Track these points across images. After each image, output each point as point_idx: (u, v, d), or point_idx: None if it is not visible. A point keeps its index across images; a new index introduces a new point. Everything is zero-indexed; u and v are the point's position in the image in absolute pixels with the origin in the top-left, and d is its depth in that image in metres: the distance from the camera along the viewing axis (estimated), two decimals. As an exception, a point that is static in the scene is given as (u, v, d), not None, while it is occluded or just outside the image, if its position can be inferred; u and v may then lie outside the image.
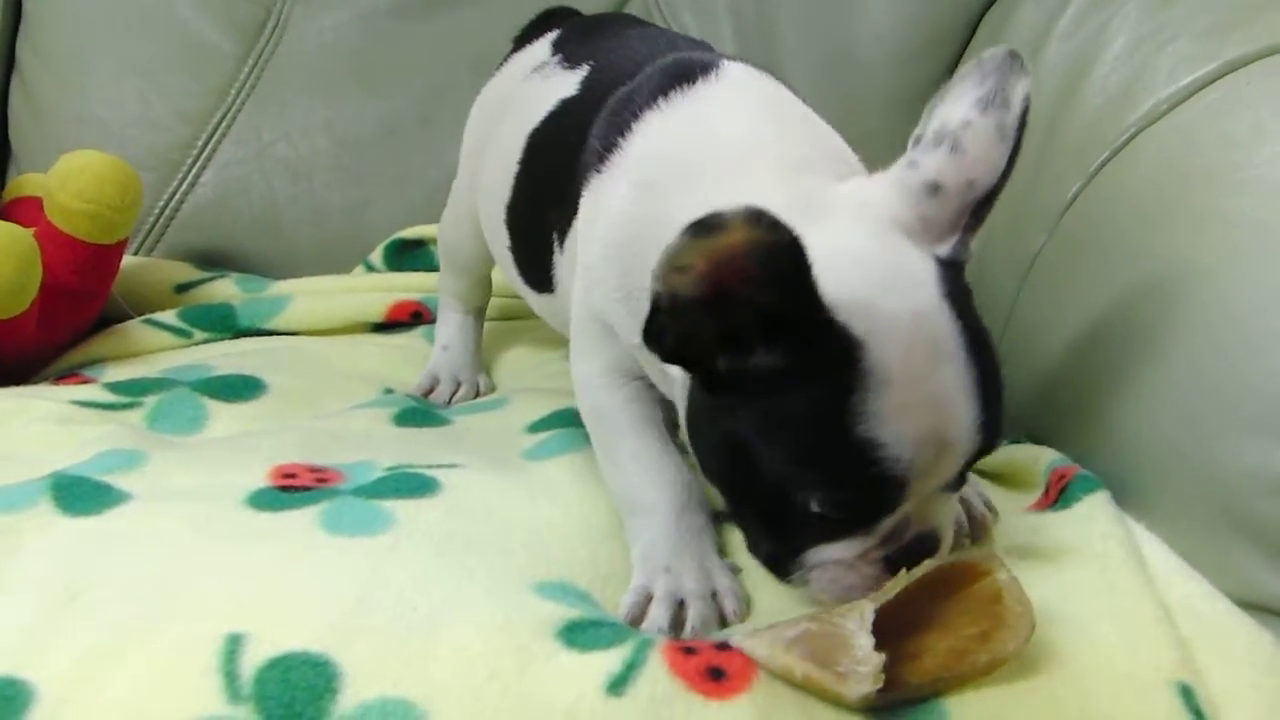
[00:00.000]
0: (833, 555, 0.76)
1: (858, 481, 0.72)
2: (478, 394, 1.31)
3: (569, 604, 0.76)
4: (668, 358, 0.74)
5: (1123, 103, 1.10)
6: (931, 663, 0.69)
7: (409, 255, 1.59)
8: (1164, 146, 1.03)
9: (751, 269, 0.66)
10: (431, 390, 1.29)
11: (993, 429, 0.74)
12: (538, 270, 1.07)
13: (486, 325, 1.41)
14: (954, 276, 0.75)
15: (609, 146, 0.88)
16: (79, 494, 0.87)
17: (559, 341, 1.39)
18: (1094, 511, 0.86)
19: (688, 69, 0.90)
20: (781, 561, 0.78)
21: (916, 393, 0.70)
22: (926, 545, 0.76)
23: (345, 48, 1.67)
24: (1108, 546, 0.82)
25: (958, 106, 0.77)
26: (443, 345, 1.34)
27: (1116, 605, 0.76)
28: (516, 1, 1.62)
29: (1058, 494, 0.90)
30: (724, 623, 0.80)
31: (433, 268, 1.56)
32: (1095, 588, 0.78)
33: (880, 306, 0.71)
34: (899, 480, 0.71)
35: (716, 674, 0.70)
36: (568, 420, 1.07)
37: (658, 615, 0.79)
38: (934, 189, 0.76)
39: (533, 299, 1.14)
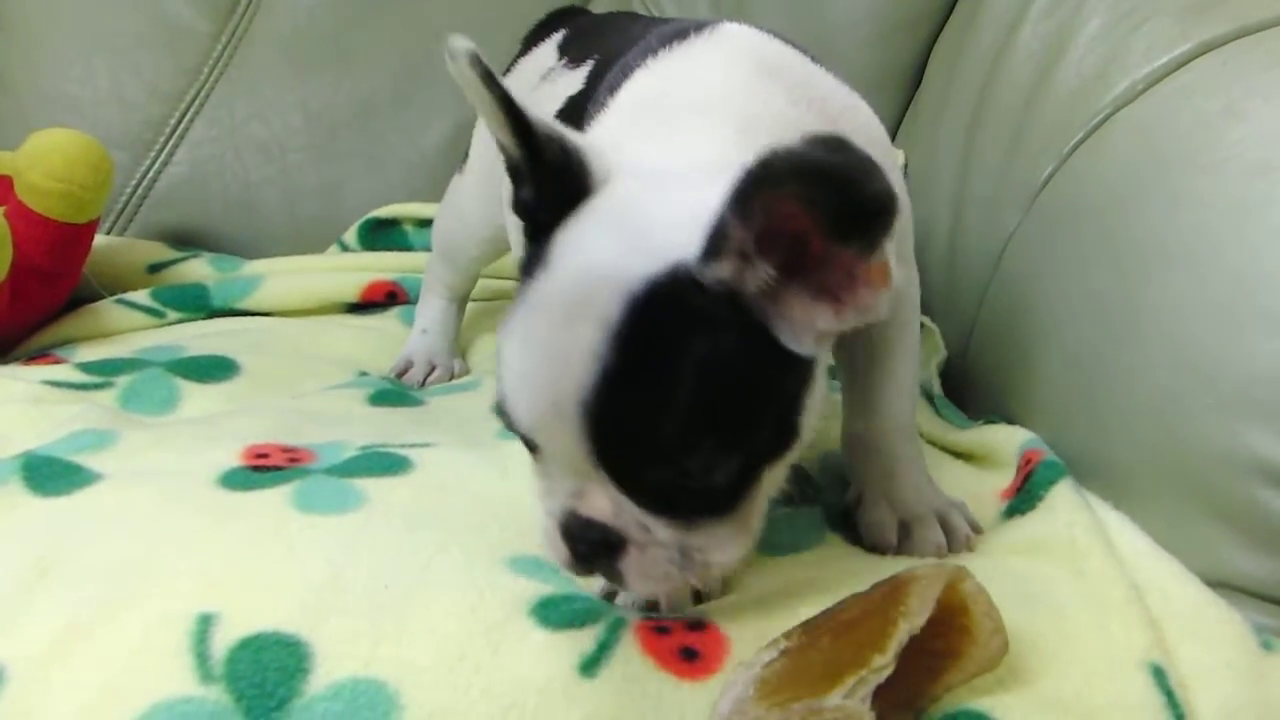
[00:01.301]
0: (534, 495, 0.74)
1: (498, 393, 0.70)
2: (452, 377, 1.30)
3: (542, 579, 0.76)
4: (516, 210, 0.74)
5: (1098, 84, 1.10)
6: (907, 688, 0.67)
7: (383, 234, 1.58)
8: (1139, 127, 1.03)
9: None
10: (406, 372, 1.28)
11: (621, 426, 0.66)
12: None
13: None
14: (685, 285, 0.66)
15: (601, 104, 0.87)
16: (49, 474, 0.87)
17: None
18: (1057, 501, 0.87)
19: (683, 29, 0.89)
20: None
21: (540, 335, 0.67)
22: (584, 528, 0.70)
23: (320, 26, 1.66)
24: (1074, 534, 0.82)
25: None
26: (422, 329, 1.34)
27: (1087, 589, 0.77)
28: (493, -21, 1.62)
29: (1023, 481, 0.91)
30: (698, 599, 0.79)
31: (407, 247, 1.56)
32: (1065, 574, 0.79)
33: (577, 245, 0.68)
34: (509, 411, 0.69)
35: (689, 654, 0.70)
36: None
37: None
38: None
39: None
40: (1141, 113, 1.03)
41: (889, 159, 0.86)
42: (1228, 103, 0.94)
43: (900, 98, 1.57)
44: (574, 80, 1.04)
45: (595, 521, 0.70)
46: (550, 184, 0.70)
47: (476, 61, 0.65)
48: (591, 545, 0.70)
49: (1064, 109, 1.13)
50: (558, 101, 1.03)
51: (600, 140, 0.75)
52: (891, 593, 0.68)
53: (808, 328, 0.68)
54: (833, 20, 1.59)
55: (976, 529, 0.87)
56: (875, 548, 0.86)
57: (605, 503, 0.69)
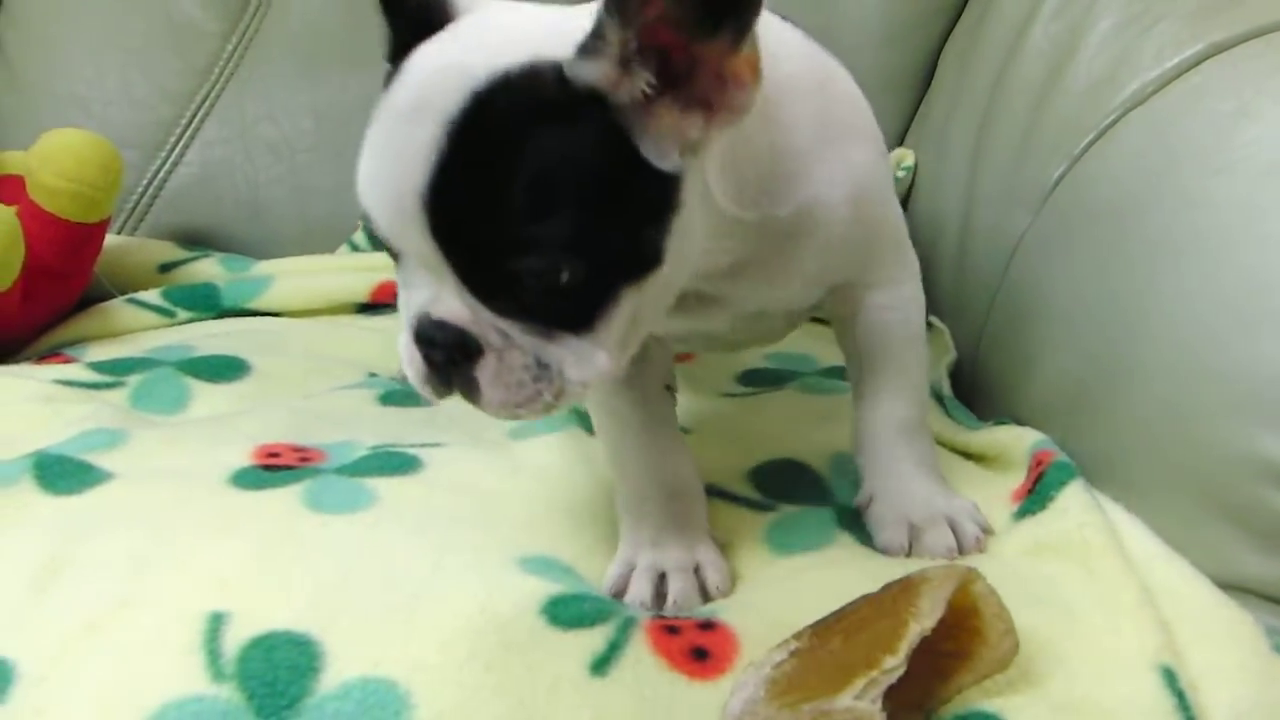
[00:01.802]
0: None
1: (358, 199, 0.70)
2: None
3: (552, 578, 0.76)
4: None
5: (1109, 84, 1.10)
6: (917, 690, 0.67)
7: (394, 235, 1.58)
8: (1150, 128, 1.03)
9: None
10: None
11: (463, 218, 0.65)
12: None
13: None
14: (536, 79, 0.66)
15: None
16: (61, 473, 0.87)
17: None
18: (1069, 502, 0.86)
19: None
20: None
21: (385, 132, 0.67)
22: (437, 329, 0.69)
23: (329, 26, 1.66)
24: (1085, 535, 0.82)
25: None
26: None
27: (1098, 590, 0.76)
28: (502, -20, 1.62)
29: (1034, 483, 0.90)
30: (707, 597, 0.80)
31: (417, 247, 1.56)
32: (1077, 575, 0.78)
33: (430, 48, 0.69)
34: (364, 213, 0.69)
35: (700, 654, 0.70)
36: (552, 402, 1.07)
37: (640, 588, 0.79)
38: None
39: None
40: (1153, 114, 1.03)
41: (855, 103, 0.87)
42: (1239, 104, 0.94)
43: (910, 97, 1.57)
44: None
45: (449, 324, 0.69)
46: (413, 19, 0.71)
47: None
48: (446, 350, 0.69)
49: (1075, 109, 1.13)
50: None
51: None
52: (902, 593, 0.68)
53: (676, 139, 0.68)
54: (843, 19, 1.59)
55: (987, 531, 0.87)
56: (886, 550, 0.86)
57: (459, 306, 0.69)
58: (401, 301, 0.71)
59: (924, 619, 0.65)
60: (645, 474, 0.85)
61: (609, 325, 0.70)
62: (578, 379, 0.70)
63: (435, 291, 0.69)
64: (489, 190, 0.65)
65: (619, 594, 0.79)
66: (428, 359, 0.70)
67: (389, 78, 0.70)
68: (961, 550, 0.85)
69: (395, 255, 0.71)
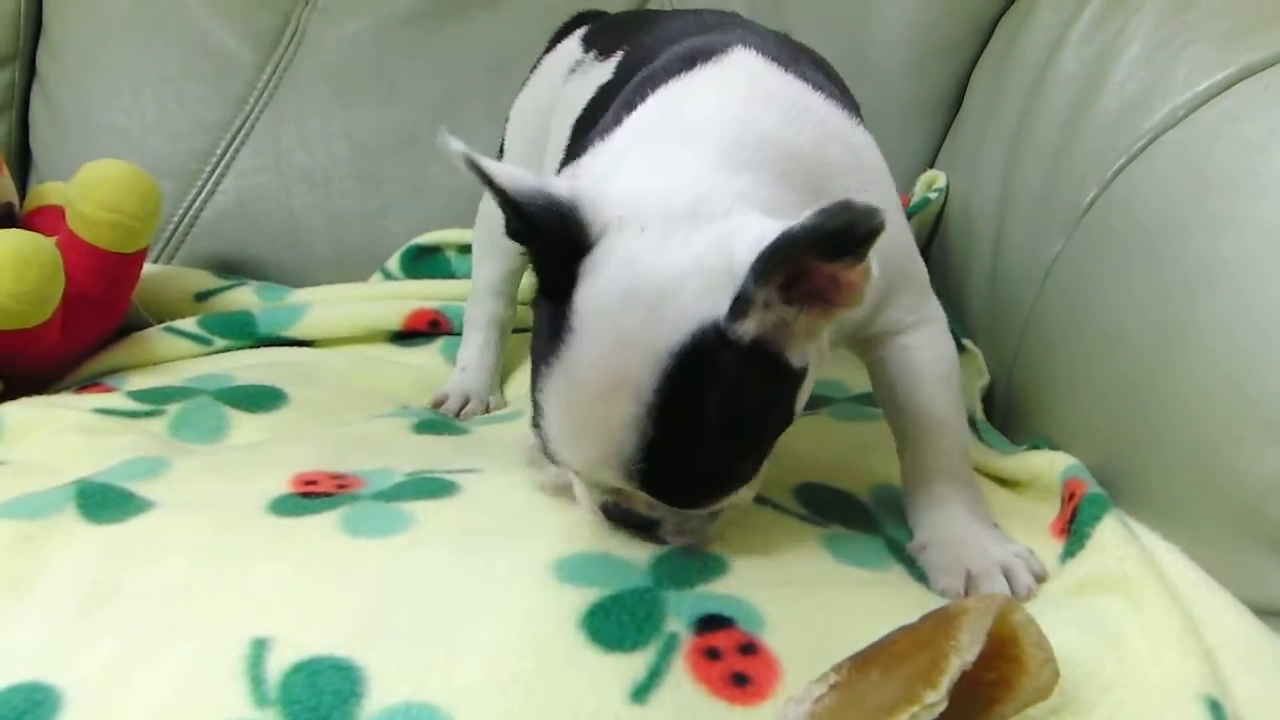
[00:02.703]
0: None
1: (539, 429, 0.78)
2: (488, 410, 1.31)
3: (588, 581, 0.77)
4: (512, 235, 0.79)
5: (1139, 108, 1.10)
6: (958, 716, 0.66)
7: (426, 262, 1.59)
8: (1181, 152, 1.03)
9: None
10: (442, 404, 1.30)
11: (666, 481, 0.77)
12: None
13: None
14: (709, 343, 0.73)
15: (617, 119, 0.88)
16: (103, 501, 0.88)
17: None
18: (1105, 538, 0.86)
19: (696, 53, 0.90)
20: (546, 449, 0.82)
21: (583, 406, 0.74)
22: (624, 517, 0.81)
23: (363, 56, 1.68)
24: (1125, 568, 0.81)
25: None
26: (461, 367, 1.36)
27: (1142, 620, 0.76)
28: (532, 8, 1.64)
29: (1069, 517, 0.90)
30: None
31: (449, 274, 1.57)
32: (1120, 606, 0.78)
33: (606, 317, 0.73)
34: (556, 451, 0.78)
35: (740, 680, 0.70)
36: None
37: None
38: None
39: None
40: (1185, 137, 1.03)
41: (879, 174, 0.92)
42: (1271, 127, 0.94)
43: (941, 121, 1.57)
44: (604, 71, 1.08)
45: (637, 516, 0.81)
46: (551, 240, 0.75)
47: (468, 161, 0.73)
48: (637, 530, 0.82)
49: (1106, 133, 1.13)
50: (590, 90, 1.07)
51: (595, 175, 0.80)
52: (941, 625, 0.67)
53: (810, 339, 0.77)
54: (871, 46, 1.60)
55: (1041, 579, 0.86)
56: (943, 595, 0.86)
57: (645, 507, 0.80)
58: (580, 485, 0.84)
59: (964, 652, 0.65)
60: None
61: (758, 480, 0.83)
62: (739, 518, 0.84)
63: (619, 496, 0.81)
64: (693, 459, 0.75)
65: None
66: (611, 519, 0.83)
67: (555, 319, 0.75)
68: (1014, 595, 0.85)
69: (553, 456, 0.80)
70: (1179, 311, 0.93)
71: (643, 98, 0.88)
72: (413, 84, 1.66)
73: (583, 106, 1.08)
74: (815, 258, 0.70)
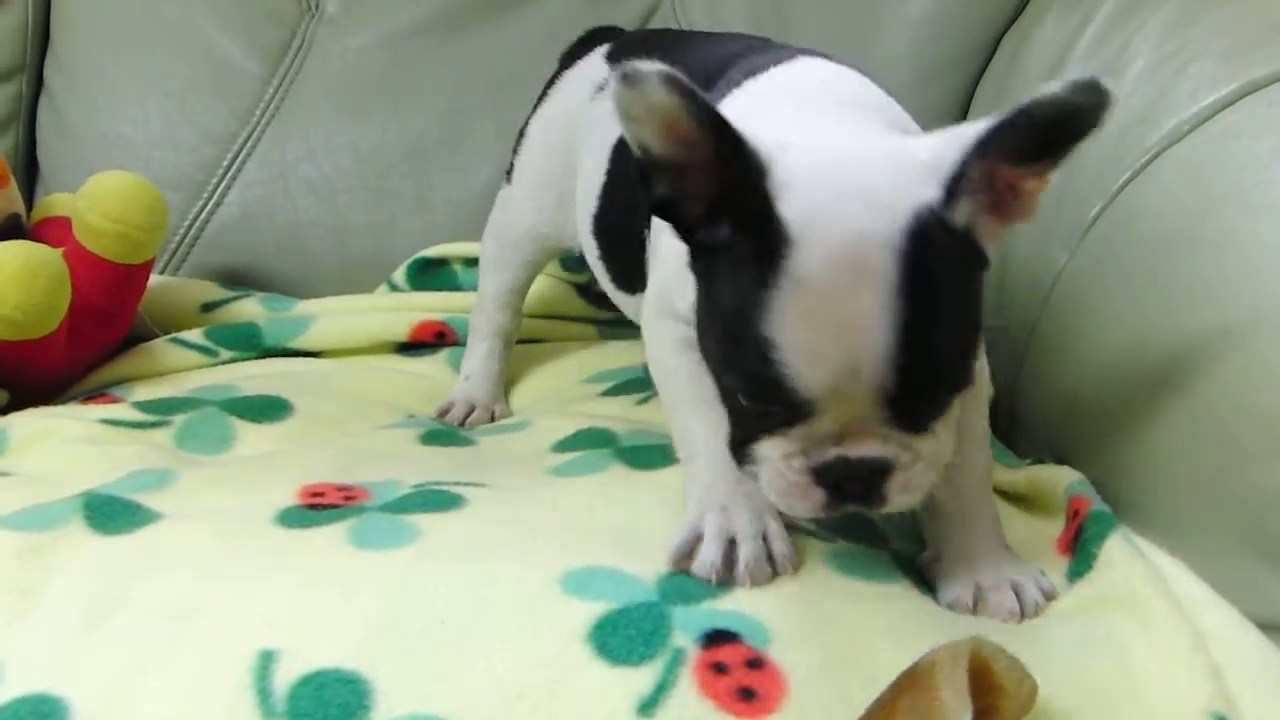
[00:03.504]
0: (765, 451, 0.77)
1: (761, 379, 0.73)
2: (493, 418, 1.32)
3: (596, 594, 0.76)
4: (656, 209, 0.77)
5: (1144, 123, 1.10)
6: None
7: (432, 274, 1.59)
8: (1186, 168, 1.03)
9: (690, 131, 0.70)
10: (447, 412, 1.30)
11: (914, 372, 0.72)
12: (628, 274, 1.09)
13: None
14: (930, 226, 0.72)
15: None
16: (110, 513, 0.88)
17: (579, 367, 1.40)
18: (1112, 557, 0.86)
19: (762, 60, 0.92)
20: (735, 449, 0.80)
21: (827, 309, 0.71)
22: (854, 468, 0.76)
23: (368, 69, 1.68)
24: (1132, 585, 0.82)
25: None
26: (466, 375, 1.36)
27: (1150, 638, 0.76)
28: (538, 23, 1.65)
29: (1074, 535, 0.90)
30: (773, 567, 0.81)
31: (455, 286, 1.57)
32: (1128, 624, 0.78)
33: (825, 216, 0.72)
34: (794, 387, 0.72)
35: (747, 694, 0.70)
36: (595, 441, 1.08)
37: (710, 552, 0.80)
38: (959, 136, 0.75)
39: (625, 302, 1.15)
40: (1189, 152, 1.03)
41: None
42: (1274, 144, 0.94)
43: (944, 137, 1.57)
44: None
45: (867, 459, 0.75)
46: (724, 176, 0.73)
47: (673, 81, 0.68)
48: (862, 481, 0.76)
49: (1112, 147, 1.13)
50: None
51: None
52: (915, 686, 0.67)
53: (992, 239, 0.76)
54: (875, 63, 1.57)
55: (1050, 597, 0.87)
56: (951, 607, 0.86)
57: (876, 440, 0.75)
58: (789, 450, 0.76)
59: (958, 714, 0.65)
60: (720, 440, 0.85)
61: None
62: (946, 459, 0.79)
63: (839, 431, 0.75)
64: (935, 341, 0.72)
65: (684, 559, 0.80)
66: (836, 490, 0.77)
67: (763, 243, 0.72)
68: (1023, 614, 0.85)
69: (798, 416, 0.74)
70: (1183, 326, 0.93)
71: (725, 96, 0.90)
72: (418, 97, 1.67)
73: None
74: (1011, 159, 0.72)
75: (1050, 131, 0.71)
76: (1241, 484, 0.84)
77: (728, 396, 0.79)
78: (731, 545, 0.80)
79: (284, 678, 0.70)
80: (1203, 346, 0.90)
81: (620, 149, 1.07)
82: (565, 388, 1.38)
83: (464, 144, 1.64)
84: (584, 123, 1.18)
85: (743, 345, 0.73)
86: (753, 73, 0.92)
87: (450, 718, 0.67)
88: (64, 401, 1.29)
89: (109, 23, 1.72)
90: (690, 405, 0.90)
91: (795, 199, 0.72)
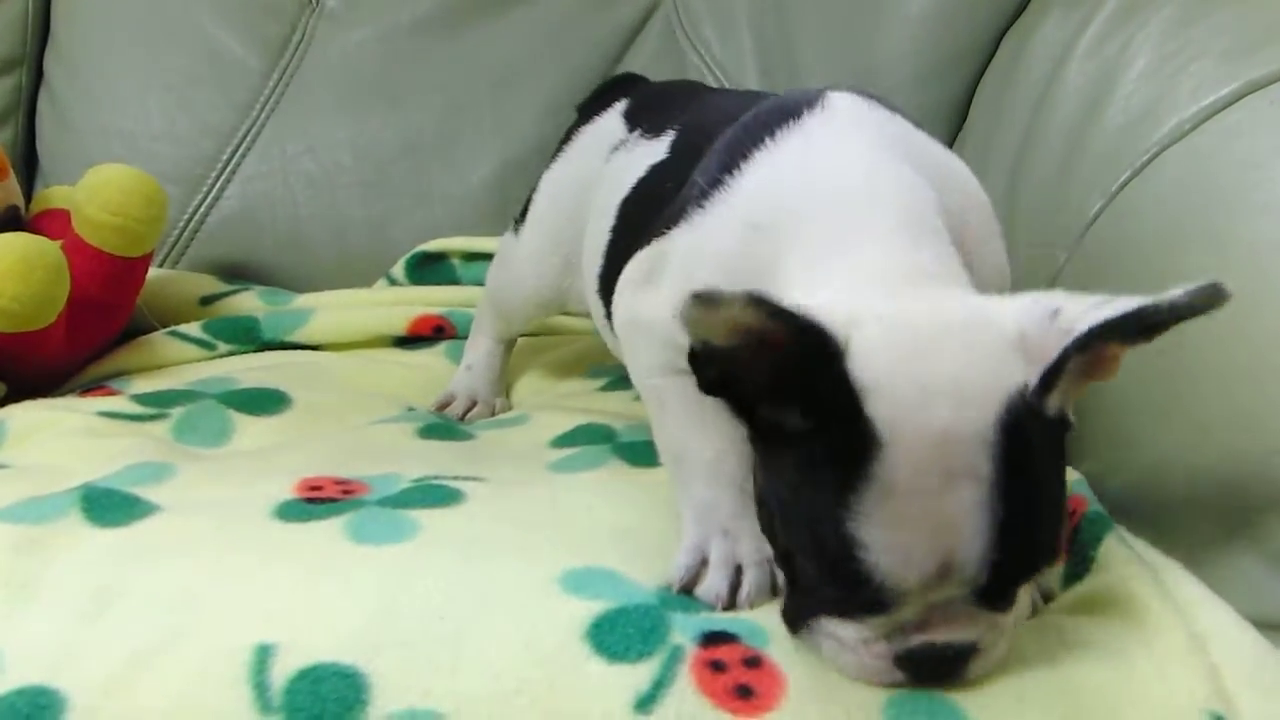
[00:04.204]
0: (833, 630, 0.73)
1: (844, 573, 0.69)
2: (494, 413, 1.31)
3: (595, 593, 0.76)
4: (709, 390, 0.73)
5: (1145, 122, 1.10)
6: None
7: (431, 268, 1.59)
8: (1186, 166, 1.03)
9: (761, 323, 0.66)
10: (447, 405, 1.30)
11: (1009, 564, 0.69)
12: None
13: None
14: (1023, 415, 0.69)
15: (715, 184, 0.86)
16: (108, 505, 0.88)
17: (578, 362, 1.40)
18: (1109, 559, 0.86)
19: (792, 104, 0.88)
20: (791, 619, 0.76)
21: (918, 511, 0.67)
22: (936, 655, 0.71)
23: (368, 64, 1.69)
24: (1129, 586, 0.81)
25: None
26: (467, 365, 1.35)
27: (1146, 638, 0.76)
28: (538, 20, 1.65)
29: (1070, 536, 0.90)
30: (774, 591, 0.79)
31: (454, 281, 1.57)
32: (1124, 624, 0.78)
33: (915, 414, 0.68)
34: (880, 585, 0.69)
35: (745, 692, 0.70)
36: (593, 437, 1.08)
37: (716, 583, 0.78)
38: (1055, 314, 0.72)
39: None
40: (1190, 151, 1.03)
41: (985, 205, 0.90)
42: (1275, 143, 0.94)
43: (945, 134, 1.57)
44: (656, 149, 1.05)
45: (954, 644, 0.71)
46: (794, 358, 0.69)
47: (760, 301, 0.65)
48: (947, 664, 0.72)
49: (1112, 146, 1.13)
50: (639, 169, 1.04)
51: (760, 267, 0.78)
52: None
53: (1075, 398, 0.74)
54: (876, 58, 1.60)
55: (1049, 597, 0.86)
56: None
57: (962, 621, 0.71)
58: (866, 637, 0.72)
59: None
60: (719, 460, 0.84)
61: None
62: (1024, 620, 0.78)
63: (925, 617, 0.71)
64: (1031, 534, 0.70)
65: (689, 587, 0.79)
66: (915, 672, 0.72)
67: (850, 440, 0.68)
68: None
69: (881, 607, 0.71)
70: (1181, 326, 0.93)
71: (744, 156, 0.85)
72: (418, 93, 1.67)
73: (631, 185, 1.05)
74: (1114, 344, 0.71)
75: (1150, 326, 0.70)
76: (1237, 484, 0.84)
77: (792, 569, 0.75)
78: (737, 572, 0.79)
79: (281, 671, 0.70)
80: (1201, 348, 0.90)
81: (629, 206, 1.05)
82: (564, 382, 1.39)
83: (463, 140, 1.65)
84: (596, 183, 1.15)
85: (823, 538, 0.69)
86: (748, 147, 0.86)
87: (448, 712, 0.67)
88: (62, 394, 1.29)
89: (110, 16, 1.72)
90: (684, 422, 0.88)
91: (882, 398, 0.68)
